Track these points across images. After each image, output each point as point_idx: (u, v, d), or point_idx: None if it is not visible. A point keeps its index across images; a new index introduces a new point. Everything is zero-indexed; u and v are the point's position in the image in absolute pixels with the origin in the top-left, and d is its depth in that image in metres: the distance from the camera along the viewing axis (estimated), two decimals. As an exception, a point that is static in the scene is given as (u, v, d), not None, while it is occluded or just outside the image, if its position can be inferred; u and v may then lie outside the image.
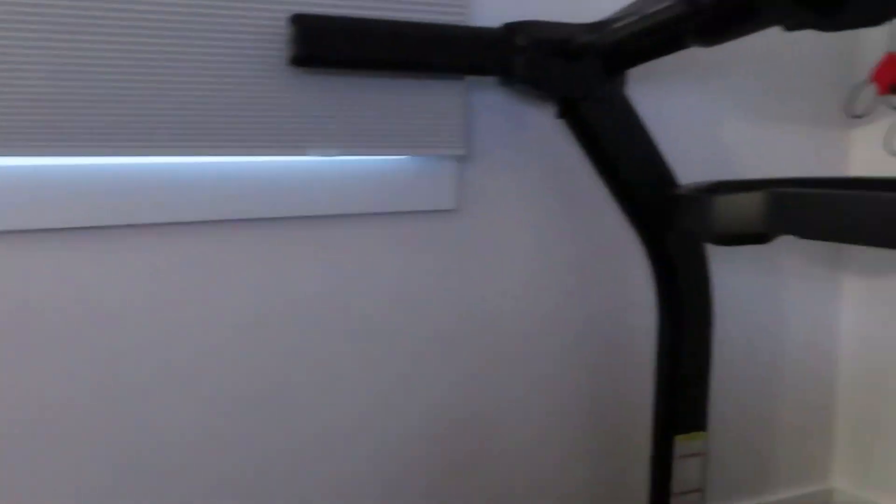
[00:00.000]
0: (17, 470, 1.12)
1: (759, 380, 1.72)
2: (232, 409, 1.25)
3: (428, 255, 1.36)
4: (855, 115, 1.53)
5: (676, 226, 1.25)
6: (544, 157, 1.44)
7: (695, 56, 1.54)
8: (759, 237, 1.06)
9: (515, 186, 1.42)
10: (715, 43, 1.10)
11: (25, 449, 1.13)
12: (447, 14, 1.26)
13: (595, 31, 1.21)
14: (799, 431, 1.79)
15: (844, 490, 1.82)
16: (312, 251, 1.28)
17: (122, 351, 1.17)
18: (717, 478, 1.70)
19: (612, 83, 1.27)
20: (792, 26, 0.97)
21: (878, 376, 1.73)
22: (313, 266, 1.28)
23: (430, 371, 1.39)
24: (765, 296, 1.70)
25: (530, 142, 1.42)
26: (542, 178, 1.45)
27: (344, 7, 1.19)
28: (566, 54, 1.22)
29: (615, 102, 1.28)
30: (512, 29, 1.22)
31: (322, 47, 1.11)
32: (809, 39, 1.64)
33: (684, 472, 1.39)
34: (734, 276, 1.66)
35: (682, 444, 1.38)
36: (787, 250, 1.72)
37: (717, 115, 1.59)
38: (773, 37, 1.60)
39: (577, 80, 1.24)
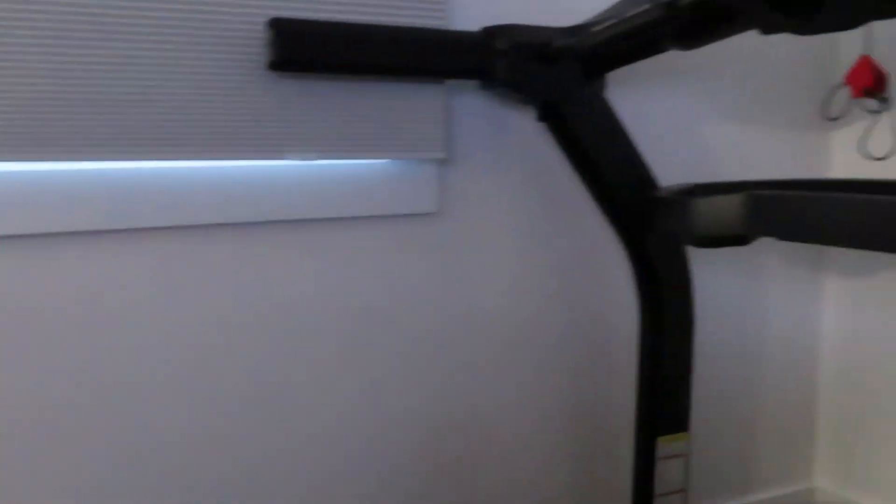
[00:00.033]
0: (16, 470, 1.12)
1: (741, 380, 1.73)
2: (219, 411, 1.24)
3: (410, 258, 1.36)
4: (831, 118, 1.54)
5: (657, 228, 1.25)
6: (526, 160, 1.44)
7: (674, 59, 1.55)
8: (739, 239, 1.06)
9: (497, 189, 1.42)
10: (693, 46, 1.10)
11: (25, 449, 1.13)
12: (426, 18, 1.26)
13: (574, 35, 1.21)
14: (781, 431, 1.80)
15: (826, 489, 1.83)
16: (294, 255, 1.27)
17: (113, 354, 1.16)
18: (699, 478, 1.70)
19: (591, 86, 1.28)
20: (768, 30, 0.97)
21: (860, 376, 1.74)
22: (295, 270, 1.28)
23: (413, 374, 1.39)
24: (746, 296, 1.71)
25: (511, 145, 1.43)
26: (524, 181, 1.45)
27: (323, 11, 1.19)
28: (546, 58, 1.23)
29: (595, 105, 1.28)
30: (492, 33, 1.23)
31: (300, 51, 1.11)
32: (789, 42, 1.65)
33: (667, 473, 1.40)
34: (716, 277, 1.67)
35: (665, 445, 1.39)
36: (769, 251, 1.73)
37: (697, 117, 1.60)
38: (752, 39, 1.61)
39: (557, 84, 1.24)
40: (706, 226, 1.09)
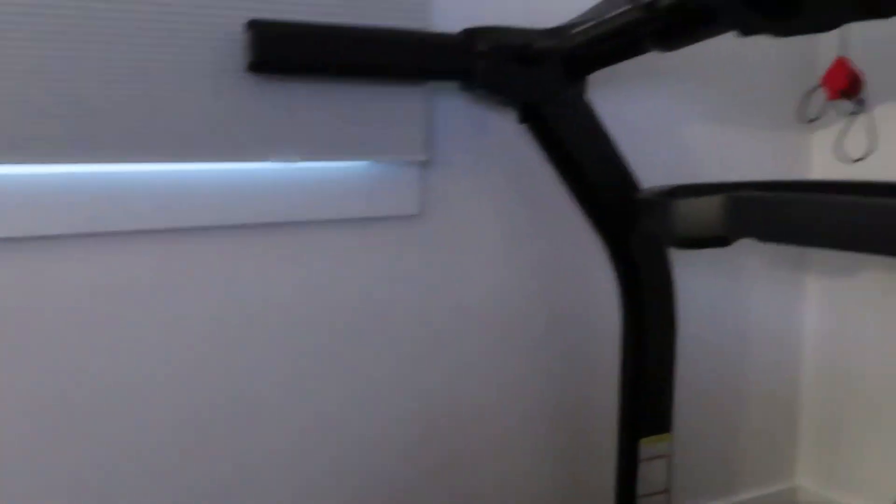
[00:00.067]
0: (12, 469, 1.12)
1: (723, 381, 1.73)
2: (205, 411, 1.23)
3: (391, 260, 1.36)
4: (808, 120, 1.55)
5: (638, 229, 1.25)
6: (507, 162, 1.44)
7: (656, 61, 1.55)
8: (719, 240, 1.07)
9: (478, 191, 1.42)
10: (673, 48, 1.11)
11: (21, 448, 1.13)
12: (407, 20, 1.25)
13: (555, 37, 1.21)
14: (763, 431, 1.80)
15: (809, 489, 1.84)
16: (276, 258, 1.27)
17: (100, 357, 1.15)
18: (682, 478, 1.71)
19: (573, 88, 1.28)
20: (747, 32, 0.97)
21: (842, 376, 1.75)
22: (277, 273, 1.27)
23: (395, 376, 1.39)
24: (728, 297, 1.72)
25: (493, 146, 1.42)
26: (506, 183, 1.45)
27: (303, 13, 1.18)
28: (526, 59, 1.22)
29: (576, 107, 1.28)
30: (472, 34, 1.22)
31: (279, 53, 1.10)
32: (769, 44, 1.66)
33: (650, 474, 1.40)
34: (698, 277, 1.67)
35: (648, 446, 1.39)
36: (751, 252, 1.73)
37: (679, 119, 1.60)
38: (733, 42, 1.62)
39: (538, 85, 1.24)
40: (687, 227, 1.09)
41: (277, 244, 1.26)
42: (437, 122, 1.36)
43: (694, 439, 1.71)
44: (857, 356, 1.72)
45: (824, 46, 1.67)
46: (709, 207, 1.05)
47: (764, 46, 1.66)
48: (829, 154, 1.70)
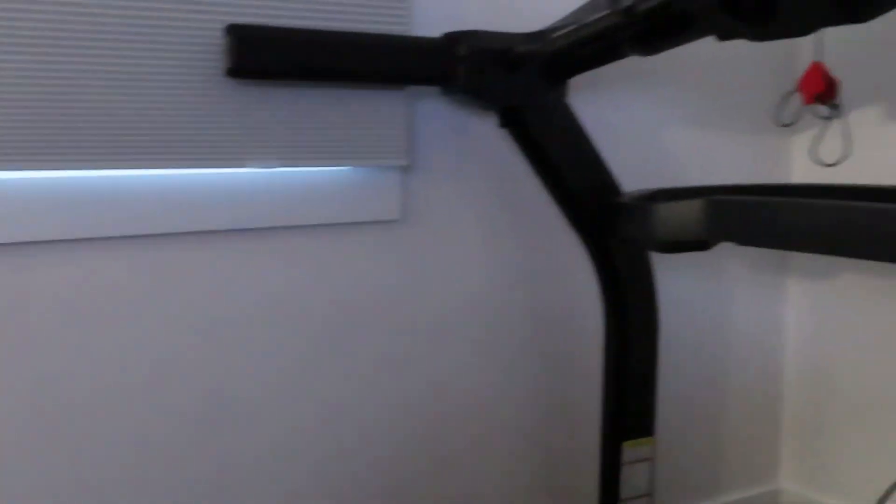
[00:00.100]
0: None
1: (705, 383, 1.74)
2: (188, 417, 1.22)
3: (372, 265, 1.35)
4: (784, 124, 1.56)
5: (619, 233, 1.26)
6: (489, 166, 1.44)
7: (637, 65, 1.56)
8: (700, 244, 1.07)
9: (460, 195, 1.42)
10: (652, 52, 1.11)
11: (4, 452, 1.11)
12: (388, 24, 1.25)
13: (535, 41, 1.21)
14: (746, 434, 1.81)
15: (792, 491, 1.84)
16: (255, 264, 1.26)
17: (69, 365, 1.14)
18: (665, 481, 1.71)
19: (553, 92, 1.28)
20: (724, 36, 0.98)
21: (824, 378, 1.76)
22: (257, 279, 1.26)
23: (376, 382, 1.38)
24: (711, 300, 1.73)
25: (475, 151, 1.42)
26: (488, 187, 1.45)
27: (283, 17, 1.17)
28: (507, 64, 1.23)
29: (557, 111, 1.29)
30: (452, 39, 1.22)
31: (259, 58, 1.10)
32: (750, 48, 1.67)
33: (633, 477, 1.40)
34: (680, 280, 1.68)
35: (630, 450, 1.39)
36: (732, 255, 1.74)
37: (660, 122, 1.61)
38: (714, 46, 1.63)
39: (519, 90, 1.24)
40: (667, 231, 1.10)
41: (258, 250, 1.26)
42: (419, 126, 1.36)
43: (677, 442, 1.71)
44: (839, 358, 1.73)
45: (807, 51, 1.68)
46: (688, 211, 1.06)
47: (744, 51, 1.67)
48: (807, 158, 1.71)
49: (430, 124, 1.37)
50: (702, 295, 1.71)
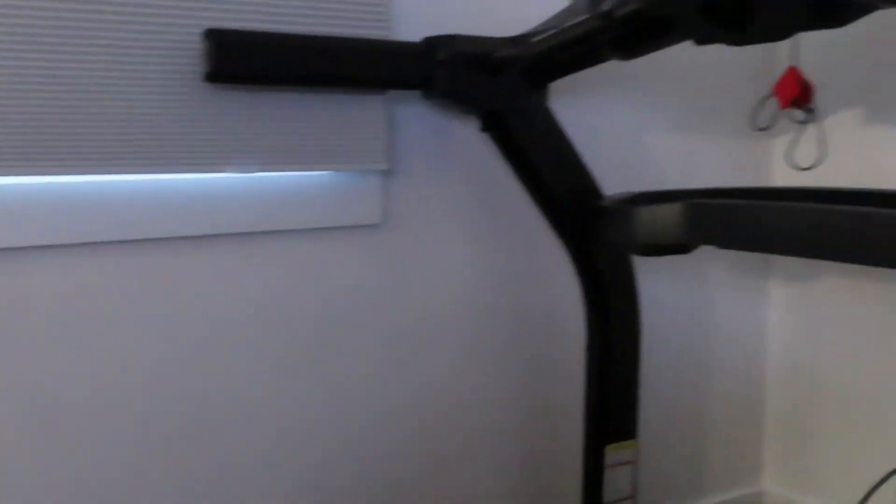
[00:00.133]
0: None
1: (688, 386, 1.75)
2: (170, 424, 1.21)
3: (353, 270, 1.35)
4: (760, 128, 1.56)
5: (601, 237, 1.26)
6: (471, 170, 1.44)
7: (618, 69, 1.56)
8: (680, 247, 1.07)
9: (442, 199, 1.42)
10: (631, 56, 1.11)
11: None
12: (368, 28, 1.25)
13: (515, 45, 1.21)
14: (729, 436, 1.82)
15: (775, 493, 1.85)
16: (235, 269, 1.25)
17: (46, 372, 1.13)
18: (648, 484, 1.71)
19: (534, 96, 1.28)
20: (702, 41, 0.99)
21: (806, 380, 1.77)
22: (237, 284, 1.25)
23: (357, 387, 1.38)
24: (693, 302, 1.73)
25: (456, 155, 1.42)
26: (469, 191, 1.44)
27: (262, 22, 1.17)
28: (487, 68, 1.23)
29: (538, 115, 1.29)
30: (432, 43, 1.22)
31: (237, 63, 1.09)
32: (730, 53, 1.68)
33: (615, 481, 1.40)
34: (663, 283, 1.68)
35: (613, 453, 1.39)
36: (714, 257, 1.75)
37: (642, 126, 1.62)
38: (694, 50, 1.63)
39: (499, 94, 1.24)
40: (648, 235, 1.10)
41: (238, 255, 1.25)
42: (399, 130, 1.36)
43: (660, 445, 1.72)
44: (821, 361, 1.74)
45: (780, 56, 1.69)
46: (668, 215, 1.06)
47: (725, 55, 1.68)
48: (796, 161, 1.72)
49: (411, 128, 1.37)
50: (684, 298, 1.72)
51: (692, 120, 1.67)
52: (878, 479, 1.58)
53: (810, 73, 1.48)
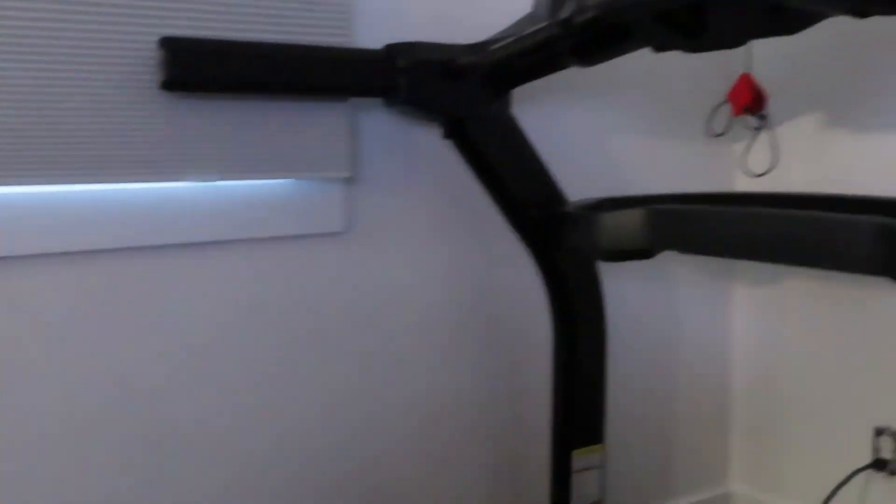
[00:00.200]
0: None
1: (654, 389, 1.75)
2: (132, 438, 1.20)
3: (317, 279, 1.34)
4: (716, 134, 1.57)
5: (565, 243, 1.26)
6: (435, 177, 1.44)
7: (580, 76, 1.56)
8: (643, 252, 1.08)
9: (407, 207, 1.41)
10: (591, 63, 1.12)
11: None
12: (329, 35, 1.24)
13: (476, 52, 1.21)
14: (695, 438, 1.83)
15: (742, 493, 1.87)
16: (197, 279, 1.24)
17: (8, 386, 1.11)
18: (616, 488, 1.72)
19: (496, 103, 1.28)
20: (660, 47, 0.99)
21: (771, 381, 1.79)
22: (198, 294, 1.24)
23: (324, 398, 1.37)
24: (659, 306, 1.74)
25: (421, 161, 1.42)
26: (434, 197, 1.44)
27: (220, 30, 1.15)
28: (449, 75, 1.22)
29: (500, 122, 1.29)
30: (393, 50, 1.22)
31: (194, 71, 1.08)
32: (692, 60, 1.68)
33: (583, 485, 1.40)
34: (628, 288, 1.69)
35: (580, 457, 1.40)
36: (679, 261, 1.76)
37: (605, 132, 1.62)
38: (655, 57, 1.64)
39: (461, 101, 1.24)
40: (611, 240, 1.10)
41: (198, 265, 1.23)
42: (363, 138, 1.35)
43: (627, 449, 1.72)
44: (785, 362, 1.75)
45: (736, 63, 1.70)
46: (631, 221, 1.06)
47: (689, 62, 1.69)
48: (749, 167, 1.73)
49: (375, 136, 1.36)
50: (650, 302, 1.73)
51: (654, 126, 1.68)
52: (842, 478, 1.60)
53: (764, 80, 1.50)
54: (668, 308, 1.75)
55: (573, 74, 1.50)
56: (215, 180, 1.19)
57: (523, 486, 1.60)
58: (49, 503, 1.16)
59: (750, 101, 1.43)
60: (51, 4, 1.05)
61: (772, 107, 1.50)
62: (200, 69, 1.08)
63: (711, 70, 1.63)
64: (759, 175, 1.59)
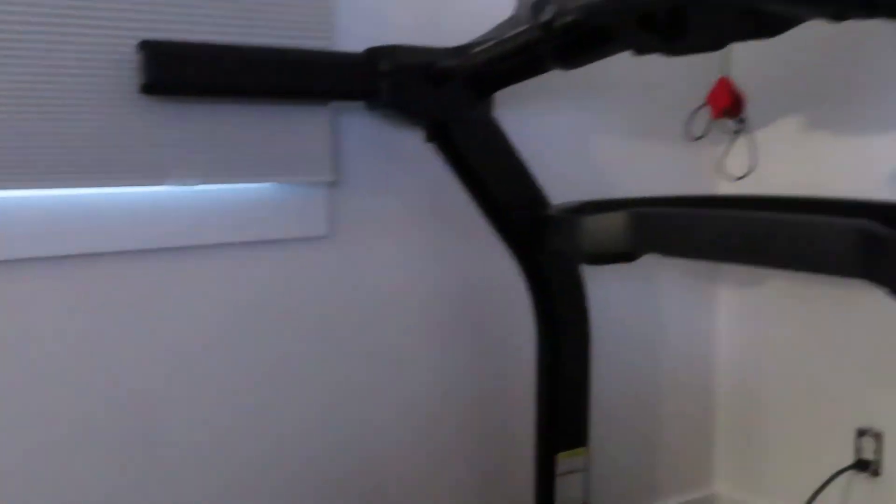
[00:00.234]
0: None
1: (638, 391, 1.76)
2: (101, 442, 1.19)
3: (300, 282, 1.33)
4: (695, 137, 1.58)
5: (548, 246, 1.26)
6: (419, 180, 1.43)
7: (563, 79, 1.56)
8: (626, 256, 1.08)
9: (391, 210, 1.41)
10: (573, 66, 1.12)
11: None
12: (310, 39, 1.23)
13: (457, 56, 1.21)
14: (680, 440, 1.83)
15: (726, 495, 1.87)
16: (178, 283, 1.23)
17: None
18: (601, 491, 1.71)
19: (479, 106, 1.28)
20: (640, 51, 0.99)
21: (754, 384, 1.79)
22: (179, 299, 1.23)
23: (305, 403, 1.36)
24: (643, 308, 1.74)
25: (404, 165, 1.41)
26: (418, 201, 1.44)
27: (200, 33, 1.14)
28: (430, 78, 1.22)
29: (483, 125, 1.29)
30: (375, 54, 1.21)
31: (173, 74, 1.07)
32: (674, 62, 1.69)
33: (568, 488, 1.40)
34: (612, 290, 1.69)
35: (564, 461, 1.40)
36: (663, 264, 1.76)
37: (587, 135, 1.62)
38: (637, 61, 1.64)
39: (443, 104, 1.24)
40: (593, 243, 1.10)
41: (178, 269, 1.22)
42: (345, 141, 1.34)
43: (612, 451, 1.72)
44: (769, 364, 1.76)
45: (714, 67, 1.71)
46: (613, 224, 1.06)
47: (665, 66, 1.69)
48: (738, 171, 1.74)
49: (358, 139, 1.36)
50: (634, 304, 1.73)
51: (635, 129, 1.69)
52: (825, 478, 1.61)
53: (742, 84, 1.50)
54: (651, 310, 1.76)
55: (555, 78, 1.50)
56: (196, 184, 1.19)
57: (508, 489, 1.60)
58: (50, 503, 1.16)
59: (728, 105, 1.44)
60: (28, 8, 1.04)
61: (750, 110, 1.51)
62: (180, 72, 1.08)
63: (691, 74, 1.64)
64: (738, 178, 1.60)
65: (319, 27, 1.24)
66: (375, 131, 1.37)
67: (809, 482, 1.64)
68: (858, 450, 1.59)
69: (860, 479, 1.60)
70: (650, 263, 1.74)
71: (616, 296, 1.70)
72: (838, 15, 0.78)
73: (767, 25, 0.86)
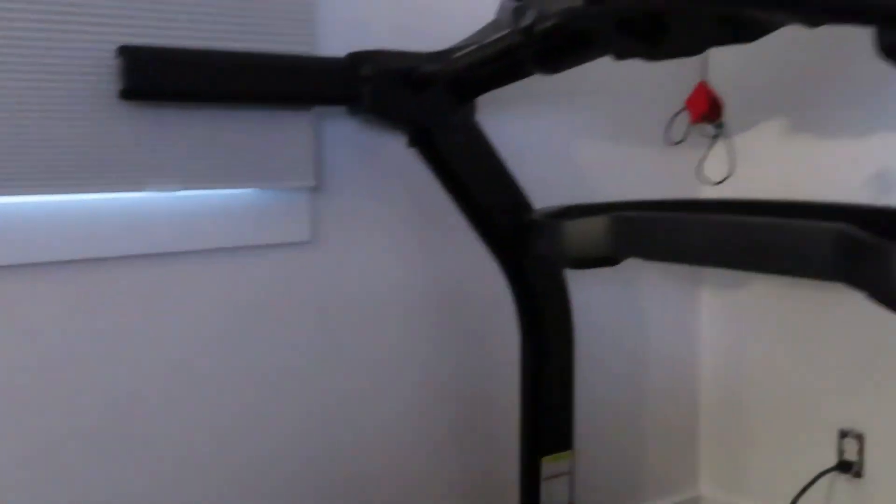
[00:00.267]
0: None
1: (623, 394, 1.76)
2: (78, 448, 1.18)
3: (282, 288, 1.33)
4: (676, 142, 1.58)
5: (531, 250, 1.26)
6: (402, 184, 1.43)
7: (545, 84, 1.56)
8: (609, 260, 1.08)
9: (374, 215, 1.41)
10: (554, 71, 1.12)
11: None
12: (291, 44, 1.23)
13: (439, 60, 1.21)
14: (665, 443, 1.84)
15: (711, 496, 1.88)
16: (159, 290, 1.22)
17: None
18: (586, 494, 1.72)
19: (461, 111, 1.28)
20: (620, 55, 1.00)
21: (739, 386, 1.80)
22: (160, 305, 1.22)
23: (285, 411, 1.35)
24: (626, 311, 1.75)
25: (387, 170, 1.41)
26: (401, 205, 1.44)
27: (180, 38, 1.14)
28: (412, 83, 1.22)
29: (465, 130, 1.29)
30: (357, 58, 1.21)
31: (153, 80, 1.07)
32: (654, 66, 1.70)
33: (553, 491, 1.40)
34: (596, 294, 1.70)
35: (549, 464, 1.40)
36: (646, 268, 1.77)
37: (569, 140, 1.63)
38: (619, 65, 1.65)
39: (425, 109, 1.24)
40: (576, 248, 1.10)
41: (160, 276, 1.22)
42: (327, 146, 1.34)
43: (596, 454, 1.72)
44: (753, 366, 1.77)
45: (693, 72, 1.72)
46: (595, 228, 1.06)
47: (645, 70, 1.70)
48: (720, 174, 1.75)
49: (341, 144, 1.36)
50: (618, 308, 1.73)
51: (615, 134, 1.69)
52: (808, 480, 1.61)
53: (720, 89, 1.51)
54: (635, 314, 1.76)
55: (537, 82, 1.51)
56: (177, 190, 1.18)
57: (494, 493, 1.60)
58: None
59: (707, 110, 1.44)
60: (6, 13, 1.03)
61: (728, 115, 1.52)
62: (159, 78, 1.07)
63: (670, 78, 1.65)
64: (717, 183, 1.61)
65: (300, 32, 1.24)
66: (358, 136, 1.37)
67: (793, 483, 1.64)
68: (841, 451, 1.60)
69: (843, 481, 1.61)
70: (633, 267, 1.75)
71: (599, 299, 1.70)
72: (813, 21, 0.78)
73: (745, 31, 0.87)
